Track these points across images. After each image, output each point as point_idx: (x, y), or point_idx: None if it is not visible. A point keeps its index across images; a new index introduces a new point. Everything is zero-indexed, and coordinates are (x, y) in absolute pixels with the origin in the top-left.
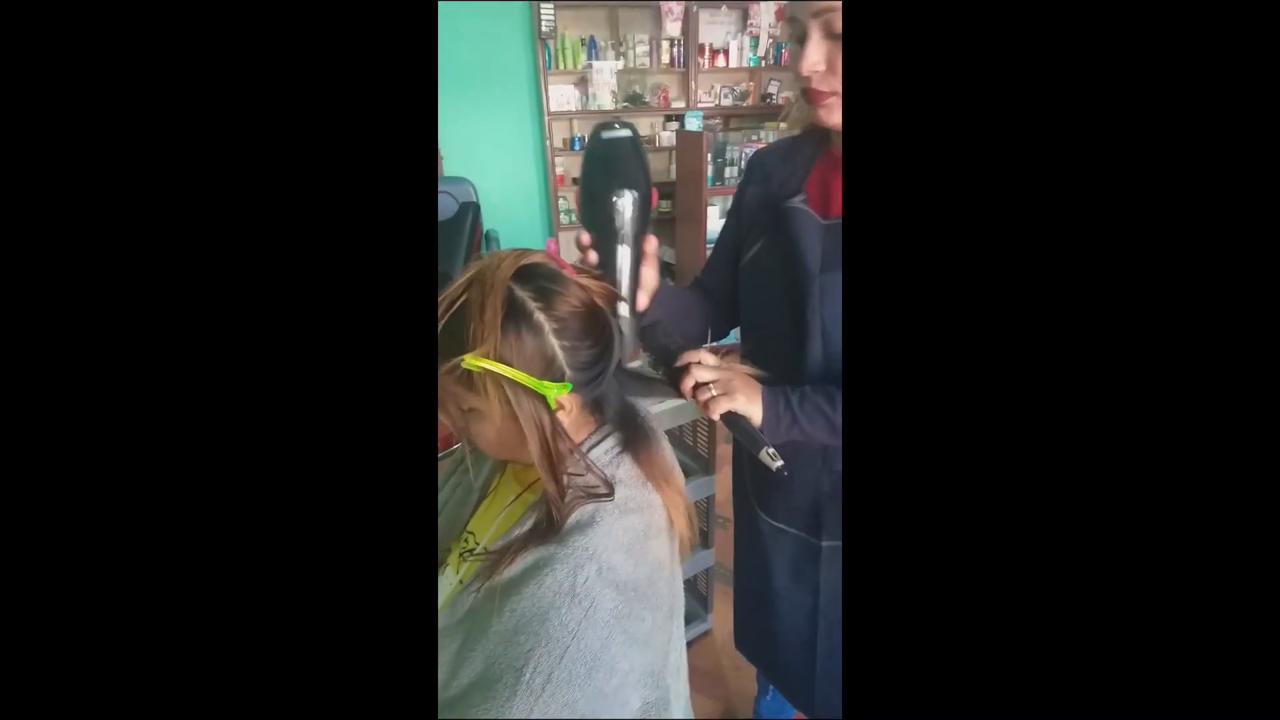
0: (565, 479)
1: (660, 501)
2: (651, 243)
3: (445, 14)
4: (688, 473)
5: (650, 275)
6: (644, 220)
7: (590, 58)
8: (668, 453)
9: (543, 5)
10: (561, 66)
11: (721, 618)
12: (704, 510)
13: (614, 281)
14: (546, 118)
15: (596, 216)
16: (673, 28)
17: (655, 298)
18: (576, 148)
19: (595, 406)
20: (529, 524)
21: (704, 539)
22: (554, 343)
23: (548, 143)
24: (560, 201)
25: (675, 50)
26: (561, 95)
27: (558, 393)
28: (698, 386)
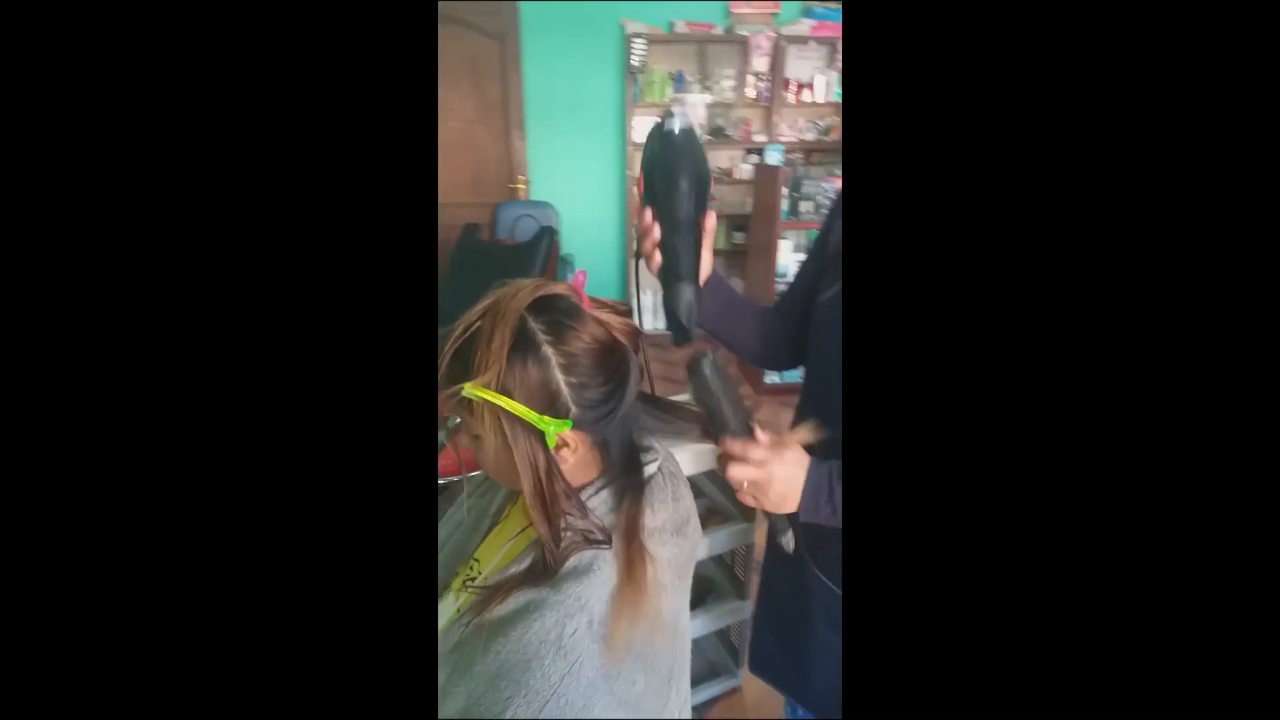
0: (563, 521)
1: (664, 557)
2: (710, 219)
3: (540, 46)
4: (726, 517)
5: (705, 258)
6: (702, 200)
7: (677, 91)
8: (672, 509)
9: (635, 40)
10: (648, 99)
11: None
12: (742, 559)
13: (675, 257)
14: (629, 148)
15: (658, 197)
16: (760, 62)
17: (708, 285)
18: None
19: (605, 449)
20: (526, 563)
21: (740, 589)
22: (560, 378)
23: (629, 172)
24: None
25: (761, 84)
26: (645, 127)
27: (557, 430)
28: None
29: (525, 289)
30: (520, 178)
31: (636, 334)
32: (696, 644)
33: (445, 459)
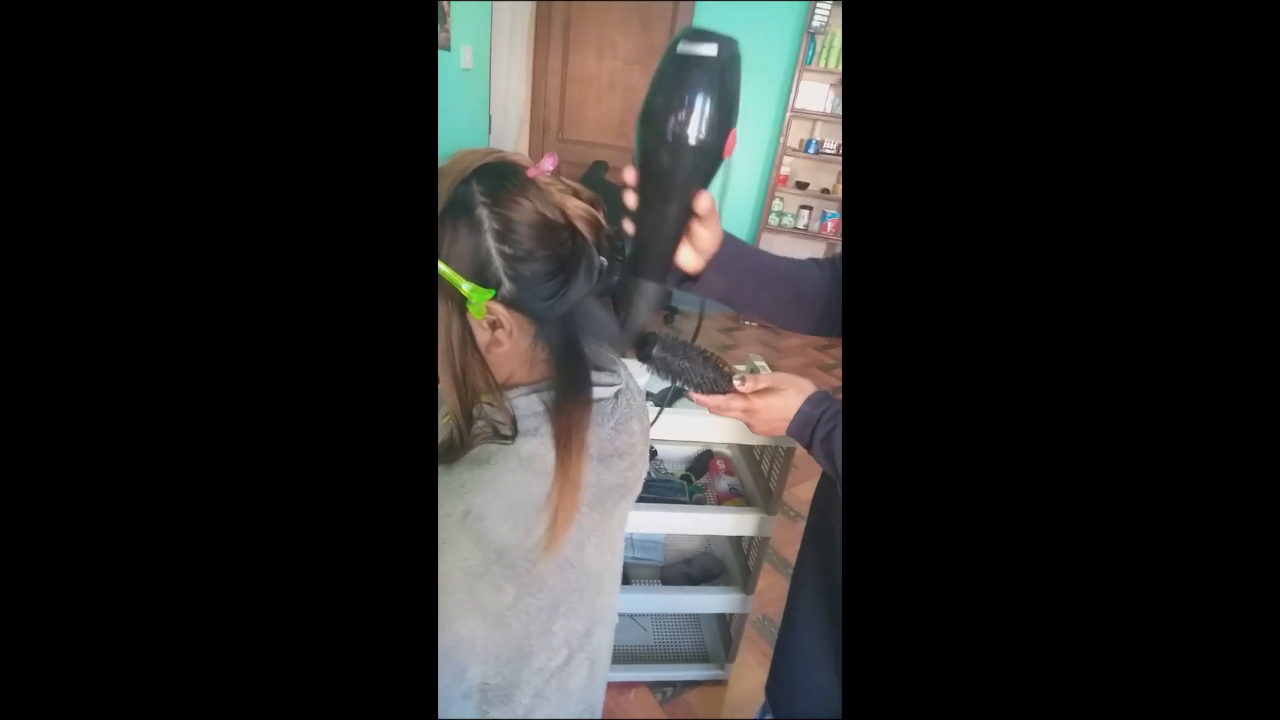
0: (478, 406)
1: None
2: (704, 201)
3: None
4: (749, 501)
5: (706, 236)
6: (704, 166)
7: None
8: (607, 438)
9: (820, 3)
10: (823, 64)
11: (745, 672)
12: (757, 549)
13: (657, 235)
14: (789, 114)
15: (646, 149)
16: None
17: (718, 261)
18: (811, 151)
19: (549, 347)
20: (441, 437)
21: (746, 582)
22: (492, 245)
23: (782, 139)
24: (775, 202)
25: None
26: (813, 94)
27: (478, 298)
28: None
29: (475, 153)
30: None
31: (599, 228)
32: (695, 621)
33: None
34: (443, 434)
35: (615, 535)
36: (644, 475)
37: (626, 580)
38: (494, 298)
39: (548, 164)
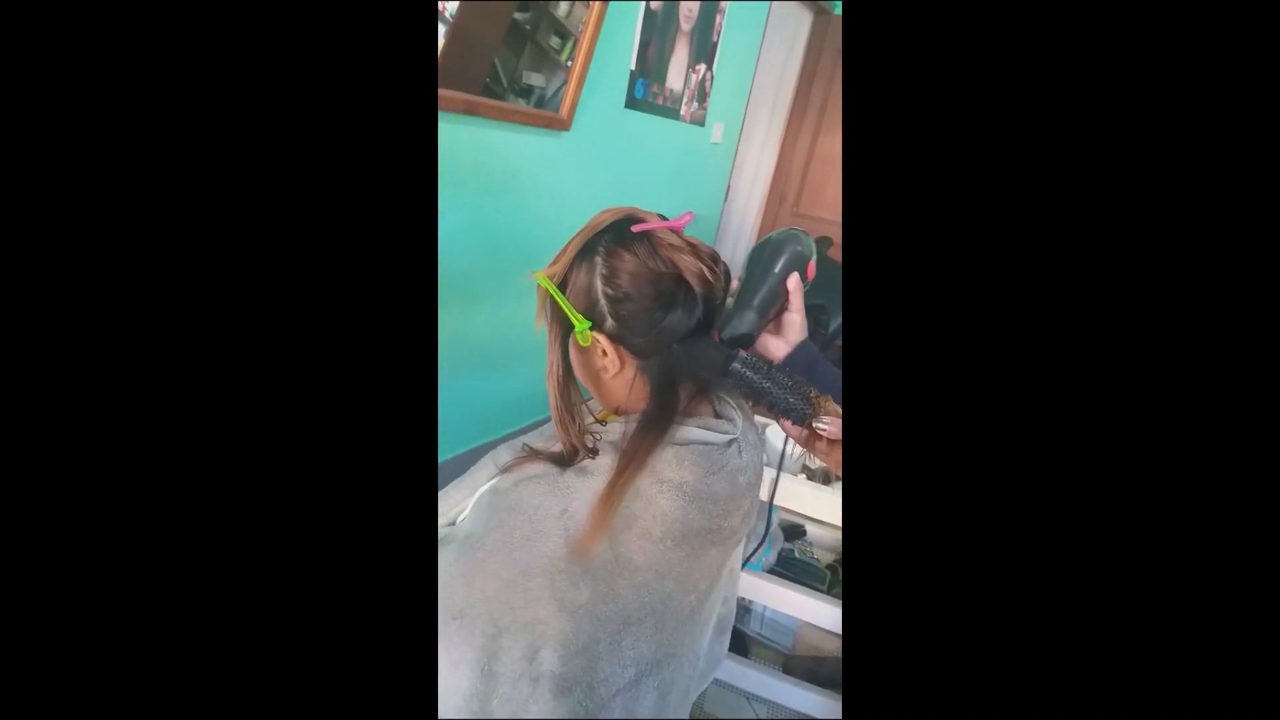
0: (580, 425)
1: (662, 507)
2: (793, 279)
3: None
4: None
5: (793, 323)
6: (790, 260)
7: None
8: (707, 477)
9: None
10: None
11: None
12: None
13: (750, 287)
14: None
15: (756, 266)
16: None
17: (792, 357)
18: None
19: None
20: (558, 448)
21: None
22: (599, 286)
23: None
24: None
25: None
26: None
27: (580, 326)
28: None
29: (615, 210)
30: None
31: (708, 284)
32: None
33: None
34: (558, 444)
35: (703, 581)
36: (741, 530)
37: (745, 654)
38: (597, 330)
39: (680, 221)
